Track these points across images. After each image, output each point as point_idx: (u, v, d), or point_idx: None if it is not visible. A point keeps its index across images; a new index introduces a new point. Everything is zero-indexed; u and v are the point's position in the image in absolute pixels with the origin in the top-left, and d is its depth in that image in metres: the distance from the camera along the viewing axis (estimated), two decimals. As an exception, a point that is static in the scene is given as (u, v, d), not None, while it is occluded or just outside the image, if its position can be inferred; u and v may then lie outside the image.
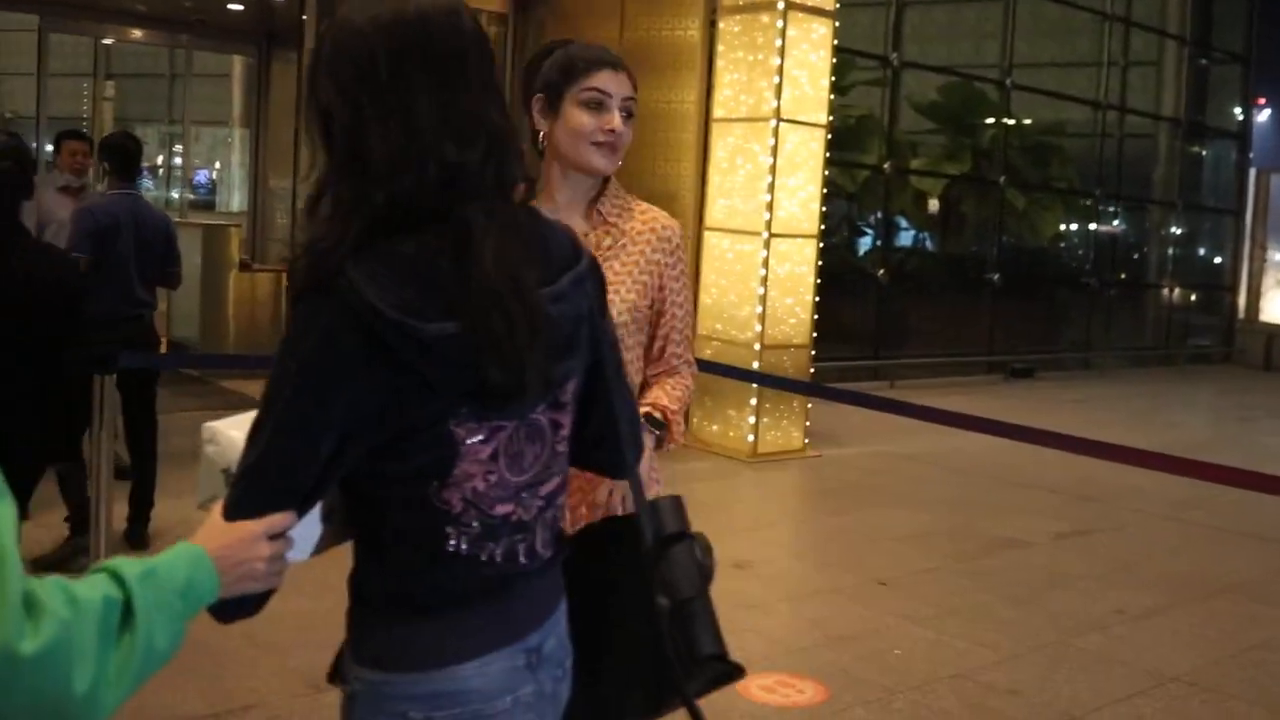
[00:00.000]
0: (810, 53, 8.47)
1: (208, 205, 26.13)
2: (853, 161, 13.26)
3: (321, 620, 4.68)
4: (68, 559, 4.85)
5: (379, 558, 1.62)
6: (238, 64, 15.96)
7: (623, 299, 2.44)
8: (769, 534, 6.57)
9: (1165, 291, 16.93)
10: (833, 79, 8.76)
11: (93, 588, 1.27)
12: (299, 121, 9.53)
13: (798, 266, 8.66)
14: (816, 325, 8.93)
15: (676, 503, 1.88)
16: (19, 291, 4.15)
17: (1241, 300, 17.59)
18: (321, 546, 1.73)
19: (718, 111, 8.72)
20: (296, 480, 1.49)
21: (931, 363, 13.38)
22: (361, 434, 1.48)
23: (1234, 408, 13.46)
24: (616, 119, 2.37)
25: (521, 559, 1.62)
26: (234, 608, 1.55)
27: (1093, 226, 16.16)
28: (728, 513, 7.08)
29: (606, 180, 2.49)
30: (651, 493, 2.38)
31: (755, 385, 8.27)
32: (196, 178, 30.57)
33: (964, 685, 4.44)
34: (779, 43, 8.23)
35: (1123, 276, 16.73)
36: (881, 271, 12.97)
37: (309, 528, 1.63)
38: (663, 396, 2.54)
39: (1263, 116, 20.00)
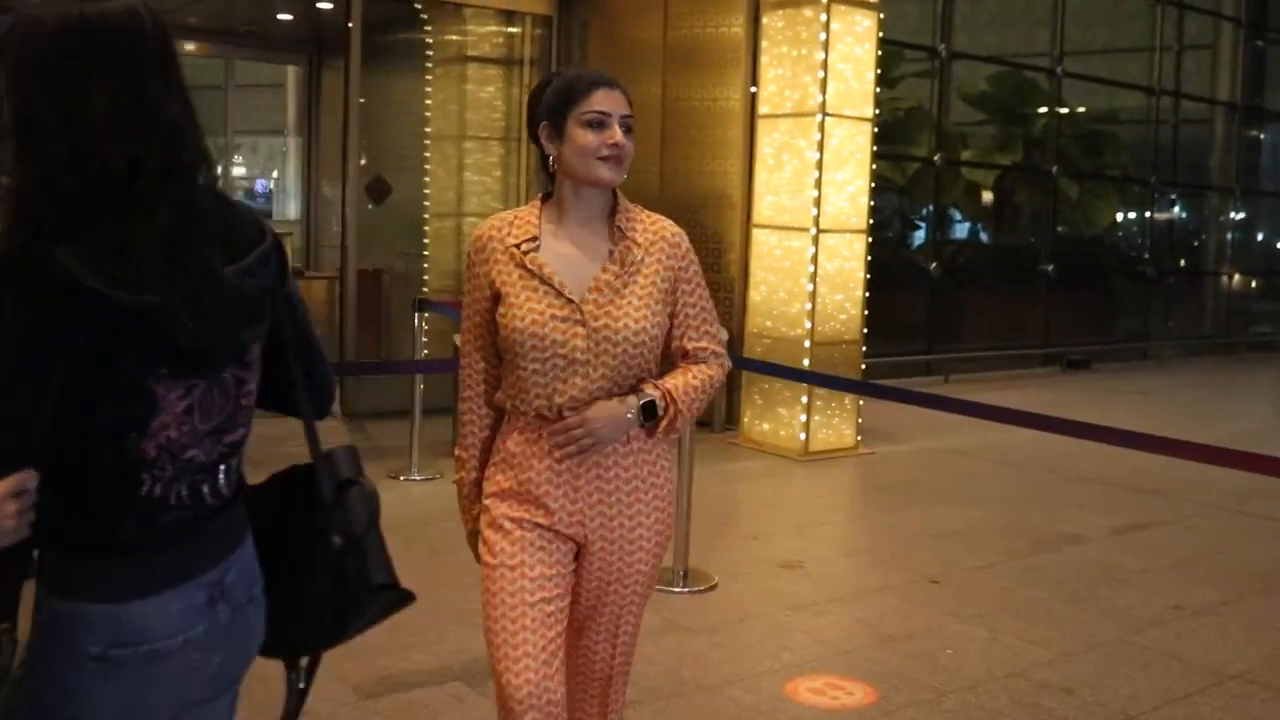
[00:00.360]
0: (855, 46, 8.40)
1: (265, 214, 26.46)
2: (902, 154, 13.12)
3: (372, 629, 4.71)
4: None
5: (77, 501, 1.76)
6: (291, 73, 16.07)
7: (650, 309, 2.60)
8: (820, 533, 6.51)
9: (1224, 279, 16.61)
10: (879, 71, 8.68)
11: None
12: (347, 130, 9.57)
13: (847, 262, 8.59)
14: (868, 321, 8.85)
15: (352, 452, 2.16)
16: None
17: (1303, 286, 17.28)
18: None
19: (763, 108, 8.67)
20: (27, 441, 1.67)
21: (986, 356, 13.22)
22: (76, 395, 1.68)
23: (1298, 396, 13.23)
24: (618, 133, 2.56)
25: (206, 499, 1.87)
26: None
27: (1149, 214, 15.90)
28: (778, 512, 7.04)
29: (614, 195, 2.67)
30: (661, 477, 2.69)
31: (805, 383, 8.21)
32: (256, 187, 30.97)
33: (1017, 685, 4.38)
34: (823, 36, 8.16)
35: (1181, 264, 16.45)
36: (934, 265, 12.84)
37: None
38: (672, 379, 2.65)
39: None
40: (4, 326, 1.63)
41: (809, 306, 8.36)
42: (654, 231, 2.66)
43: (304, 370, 2.08)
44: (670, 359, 2.72)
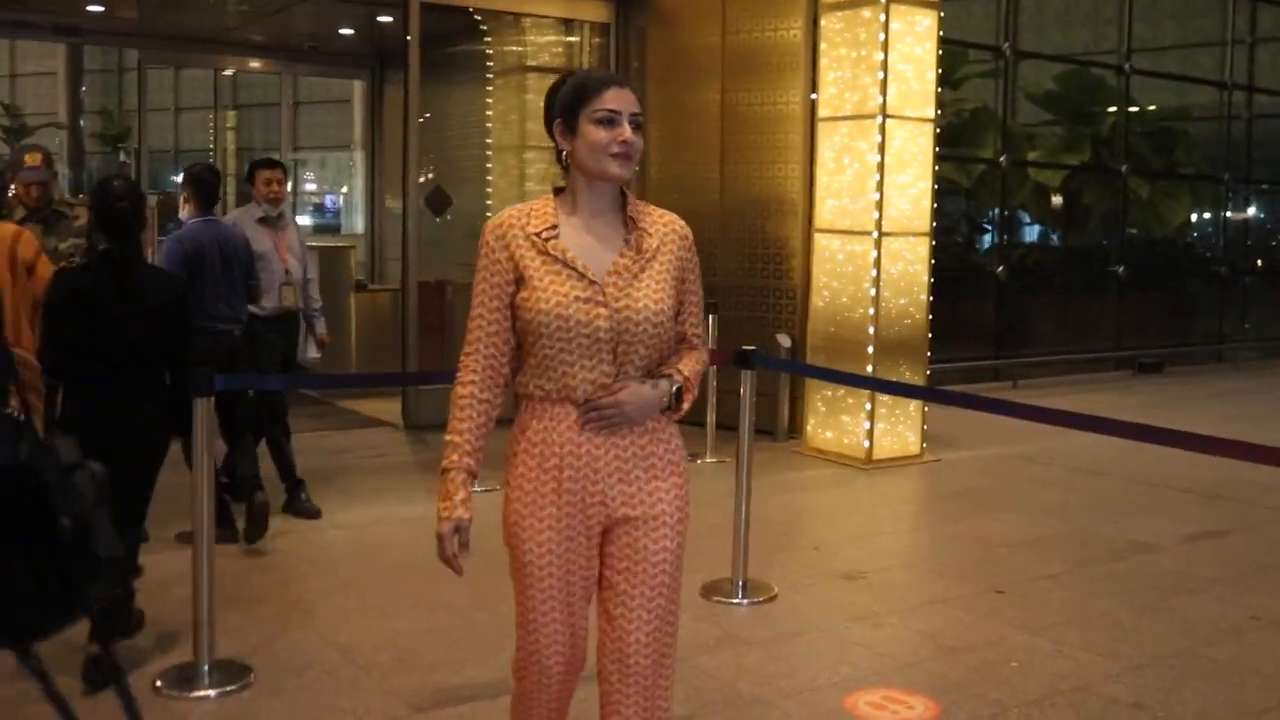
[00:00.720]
0: (915, 46, 8.27)
1: (334, 229, 26.72)
2: (967, 156, 12.94)
3: (426, 640, 4.70)
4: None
5: None
6: (358, 89, 16.21)
7: (665, 294, 2.74)
8: (882, 543, 6.40)
9: (1303, 278, 16.23)
10: (940, 72, 8.54)
11: None
12: (407, 143, 9.60)
13: (911, 265, 8.46)
14: (934, 326, 8.71)
15: (73, 440, 2.36)
16: (144, 311, 4.45)
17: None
18: None
19: (823, 111, 8.57)
20: None
21: (1056, 360, 13.00)
22: None
23: (1382, 397, 12.84)
24: (628, 130, 2.70)
25: None
26: None
27: (1223, 213, 15.54)
28: (841, 522, 6.93)
29: (622, 189, 2.81)
30: (677, 455, 2.81)
31: (868, 390, 8.08)
32: (325, 202, 31.30)
33: (1084, 699, 4.24)
34: (882, 37, 8.05)
35: (1257, 264, 16.06)
36: (1000, 268, 12.63)
37: None
38: (685, 365, 2.82)
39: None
40: None
41: (872, 311, 8.24)
42: (665, 224, 2.82)
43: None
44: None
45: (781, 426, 9.03)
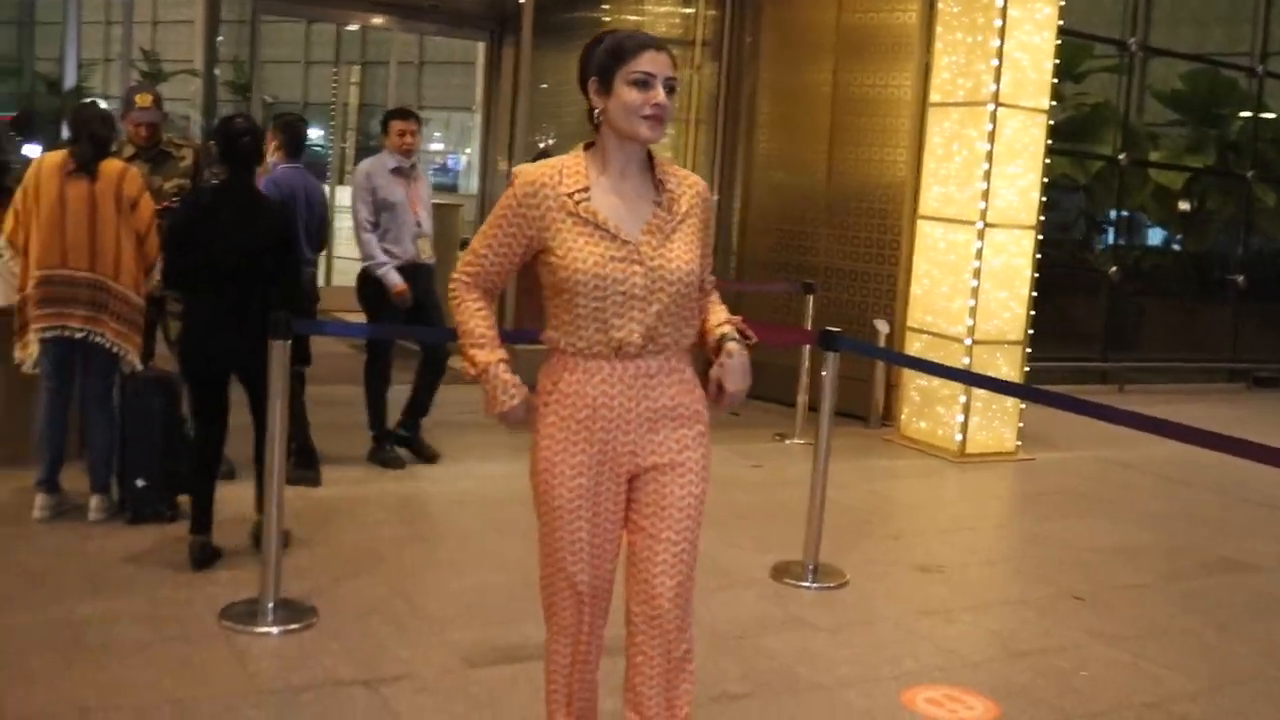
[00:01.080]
0: (1033, 34, 8.04)
1: (451, 188, 26.99)
2: (1085, 152, 12.59)
3: (490, 596, 4.71)
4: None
5: None
6: (480, 50, 16.33)
7: (694, 251, 2.82)
8: (963, 538, 6.25)
9: None
10: (1057, 62, 8.29)
11: None
12: (516, 105, 9.62)
13: (1014, 259, 8.25)
14: (1039, 323, 8.50)
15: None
16: (259, 234, 4.91)
17: None
18: None
19: (934, 96, 8.38)
20: None
21: (1166, 367, 12.62)
22: None
23: None
24: (661, 94, 2.73)
25: None
26: None
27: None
28: (925, 514, 6.80)
29: (649, 151, 2.85)
30: (701, 404, 2.87)
31: (959, 383, 7.91)
32: (448, 162, 31.62)
33: (1154, 716, 4.10)
34: (999, 24, 7.83)
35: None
36: (1114, 269, 12.29)
37: None
38: (722, 313, 2.96)
39: None
40: None
41: (971, 303, 8.06)
42: (689, 184, 2.88)
43: None
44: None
45: (875, 413, 8.89)
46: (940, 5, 8.28)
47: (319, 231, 6.57)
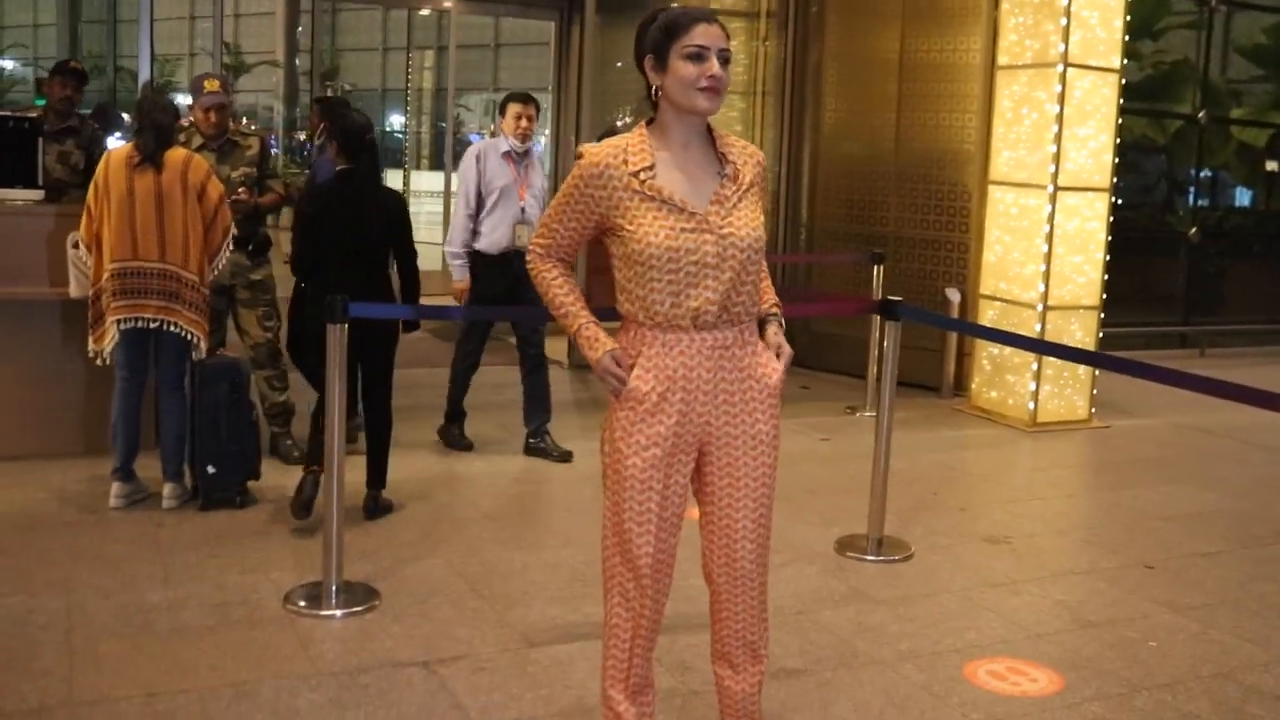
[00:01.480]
0: (1102, -8, 7.87)
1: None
2: (1163, 111, 12.29)
3: (553, 575, 4.75)
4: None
5: None
6: (551, 30, 16.38)
7: (759, 220, 2.89)
8: (1033, 508, 6.17)
9: None
10: (1128, 19, 8.09)
11: None
12: (581, 83, 9.62)
13: (1088, 223, 8.09)
14: (1117, 288, 8.34)
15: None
16: (382, 218, 5.39)
17: None
18: None
19: (1002, 58, 8.24)
20: None
21: (1249, 330, 12.32)
22: None
23: None
24: (715, 65, 2.77)
25: None
26: None
27: None
28: (995, 484, 6.72)
29: (708, 124, 2.91)
30: (774, 377, 2.94)
31: (1030, 351, 7.79)
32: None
33: (1223, 686, 4.02)
34: (1067, -18, 7.68)
35: None
36: (1193, 230, 12.01)
37: None
38: (770, 292, 3.06)
39: None
40: None
41: (1044, 268, 7.93)
42: (750, 155, 2.95)
43: None
44: None
45: (946, 383, 8.80)
46: (1006, -34, 8.14)
47: None
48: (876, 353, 8.08)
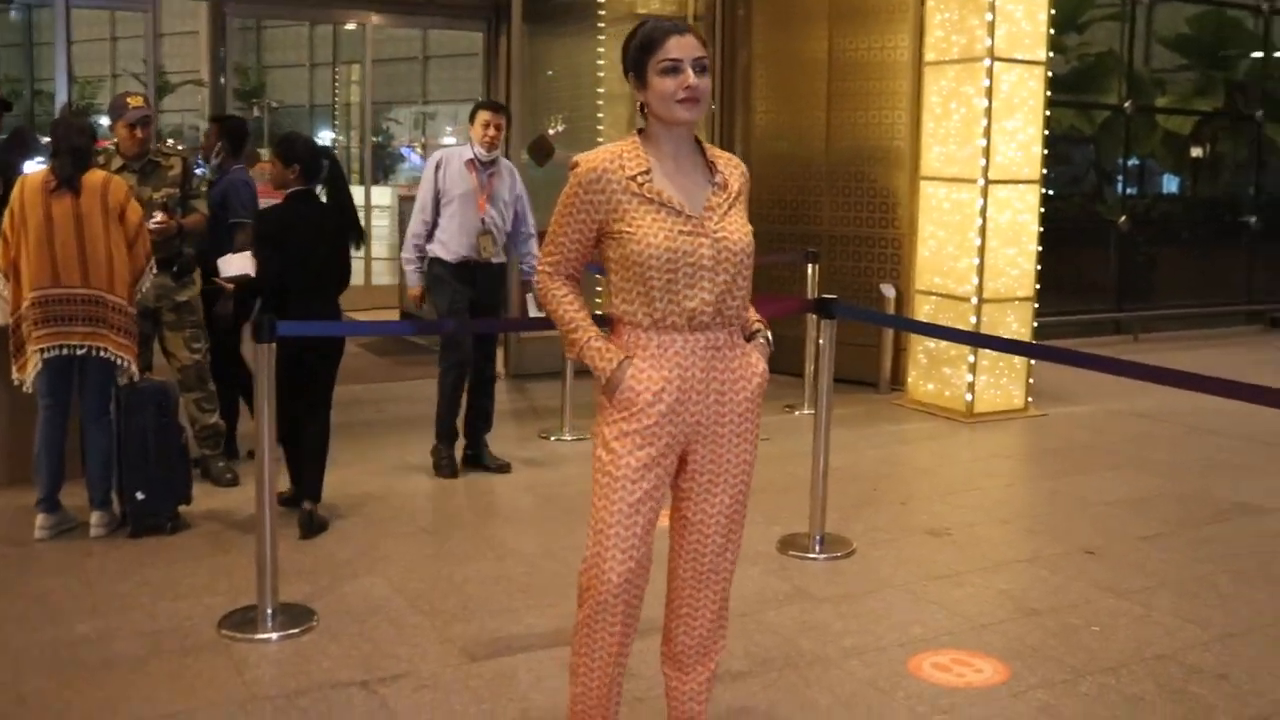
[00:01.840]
0: (1025, -14, 7.93)
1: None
2: (1089, 102, 12.43)
3: (493, 588, 4.67)
4: None
5: None
6: (482, 42, 16.33)
7: (748, 227, 2.98)
8: (974, 498, 6.18)
9: None
10: (1053, 13, 8.16)
11: None
12: (509, 90, 9.57)
13: (1020, 215, 8.15)
14: (1050, 278, 8.39)
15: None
16: (330, 239, 5.52)
17: None
18: None
19: (929, 54, 8.28)
20: None
21: (1181, 314, 12.48)
22: None
23: None
24: (691, 76, 2.83)
25: None
26: None
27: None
28: (935, 477, 6.73)
29: (696, 136, 2.99)
30: (759, 376, 3.00)
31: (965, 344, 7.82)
32: (403, 152, 31.50)
33: (1165, 667, 4.03)
34: (989, -22, 7.73)
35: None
36: (1123, 218, 12.14)
37: None
38: (753, 311, 3.09)
39: None
40: None
41: (977, 262, 7.97)
42: (735, 165, 3.04)
43: None
44: None
45: (884, 379, 8.83)
46: (929, -38, 8.18)
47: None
48: (813, 350, 8.10)
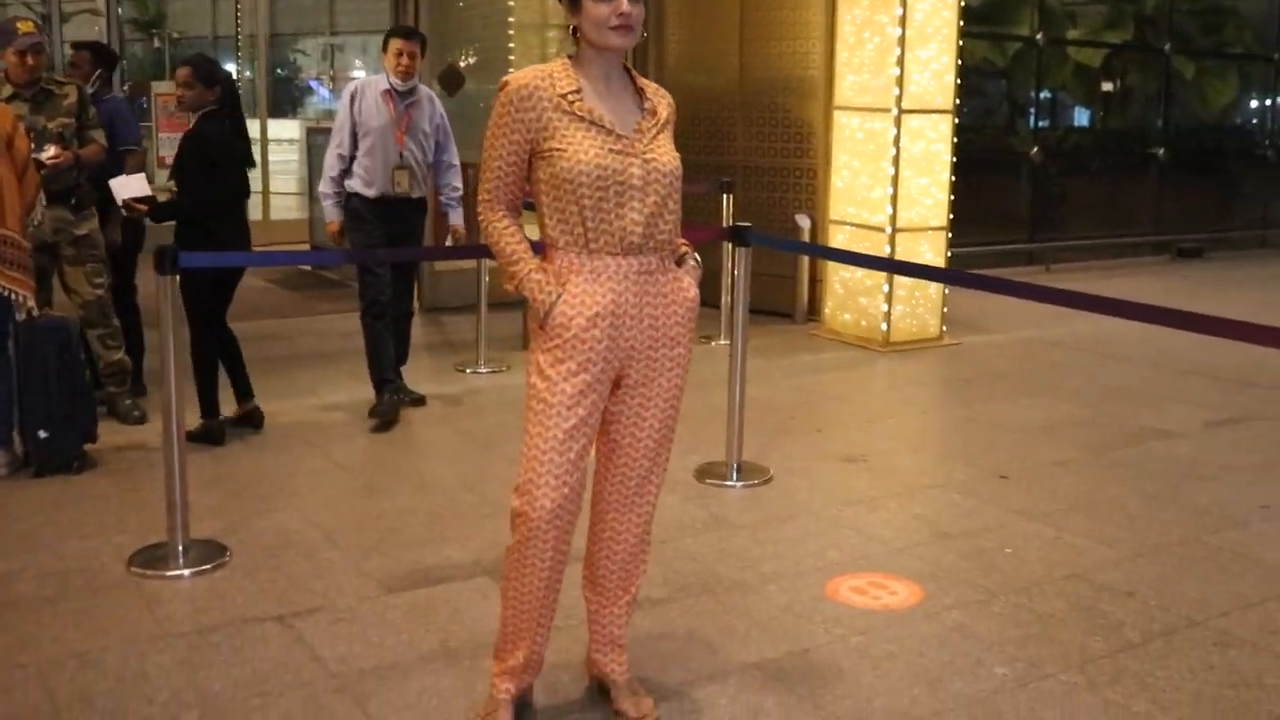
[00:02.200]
0: (938, -87, 7.90)
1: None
2: (1002, 34, 12.49)
3: (409, 520, 4.62)
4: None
5: None
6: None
7: (676, 153, 2.98)
8: (889, 426, 6.24)
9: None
10: (965, -59, 8.16)
11: None
12: (418, 19, 9.37)
13: (933, 145, 8.18)
14: (964, 209, 8.45)
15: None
16: (242, 161, 5.75)
17: None
18: None
19: (842, -17, 8.24)
20: None
21: (1092, 245, 12.68)
22: None
23: None
24: (625, 4, 2.81)
25: None
26: None
27: (1273, 95, 14.97)
28: (851, 405, 6.78)
29: (626, 65, 3.00)
30: (691, 293, 3.01)
31: (883, 271, 7.86)
32: (312, 85, 30.86)
33: (1076, 586, 4.10)
34: (902, -96, 7.69)
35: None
36: (1035, 150, 12.26)
37: None
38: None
39: None
40: None
41: (891, 191, 7.99)
42: (662, 95, 3.06)
43: None
44: None
45: (801, 308, 8.87)
46: (840, -112, 8.11)
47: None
48: (729, 281, 8.09)
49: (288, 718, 3.16)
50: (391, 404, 6.11)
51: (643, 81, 3.03)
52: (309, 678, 3.38)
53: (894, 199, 7.99)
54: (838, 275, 8.42)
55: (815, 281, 8.84)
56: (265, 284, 10.25)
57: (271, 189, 13.94)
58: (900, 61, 7.87)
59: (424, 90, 6.39)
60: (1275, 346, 3.86)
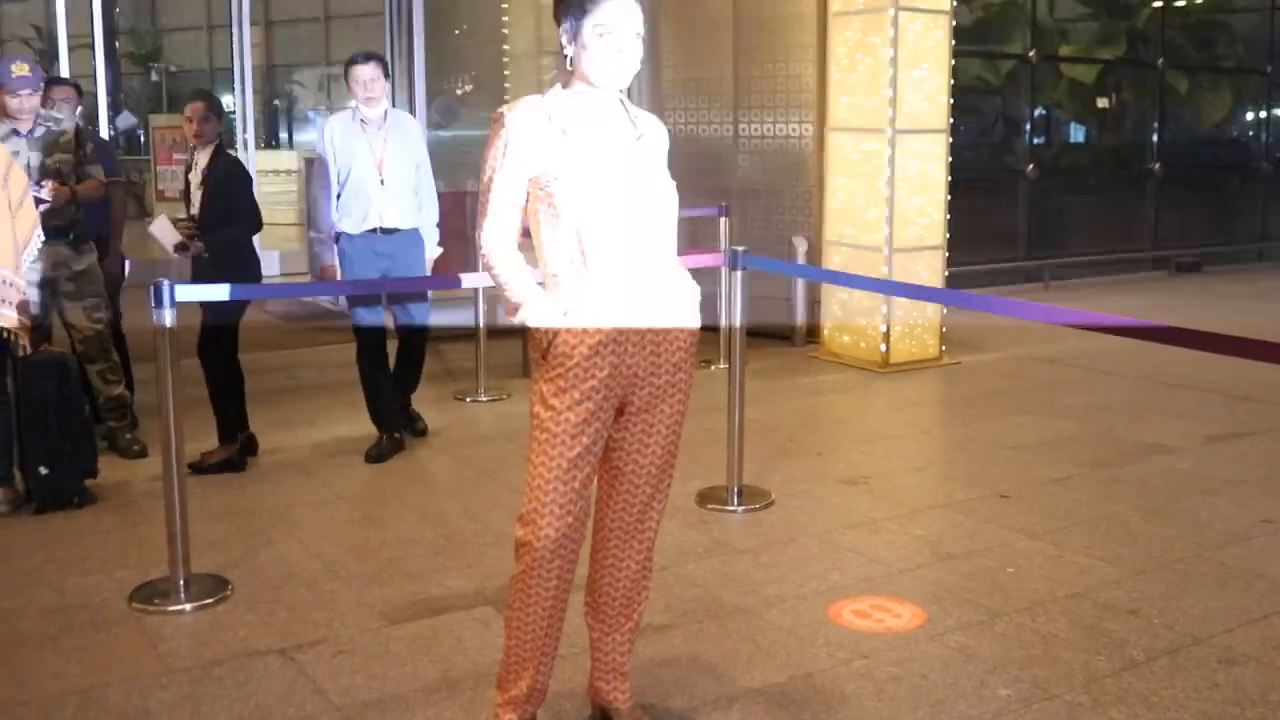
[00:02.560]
0: (929, -65, 7.94)
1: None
2: (995, 52, 12.54)
3: (410, 551, 4.62)
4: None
5: None
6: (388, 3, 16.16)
7: (673, 185, 3.01)
8: (890, 447, 6.24)
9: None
10: (956, -39, 8.20)
11: None
12: (412, 52, 9.44)
13: (928, 164, 8.20)
14: (961, 228, 8.47)
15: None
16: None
17: None
18: None
19: (834, 6, 8.29)
20: None
21: (1089, 261, 12.69)
22: None
23: None
24: (625, 43, 2.86)
25: None
26: None
27: (1266, 108, 15.02)
28: (851, 427, 6.78)
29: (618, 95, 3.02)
30: (695, 325, 3.04)
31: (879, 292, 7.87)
32: (309, 116, 31.03)
33: (1079, 605, 4.10)
34: (892, -74, 7.73)
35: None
36: (1030, 167, 12.29)
37: None
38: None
39: None
40: None
41: (887, 212, 8.01)
42: (656, 125, 3.08)
43: None
44: None
45: (799, 332, 8.87)
46: (832, -89, 8.16)
47: None
48: (726, 305, 8.10)
49: (291, 752, 3.16)
50: (388, 447, 6.04)
51: (636, 110, 3.05)
52: (312, 711, 3.38)
53: (890, 219, 8.01)
54: (836, 297, 8.43)
55: (813, 304, 8.85)
56: (262, 316, 10.26)
57: (269, 220, 13.99)
58: (893, 82, 7.90)
59: (397, 114, 6.22)
60: (1275, 362, 3.87)
